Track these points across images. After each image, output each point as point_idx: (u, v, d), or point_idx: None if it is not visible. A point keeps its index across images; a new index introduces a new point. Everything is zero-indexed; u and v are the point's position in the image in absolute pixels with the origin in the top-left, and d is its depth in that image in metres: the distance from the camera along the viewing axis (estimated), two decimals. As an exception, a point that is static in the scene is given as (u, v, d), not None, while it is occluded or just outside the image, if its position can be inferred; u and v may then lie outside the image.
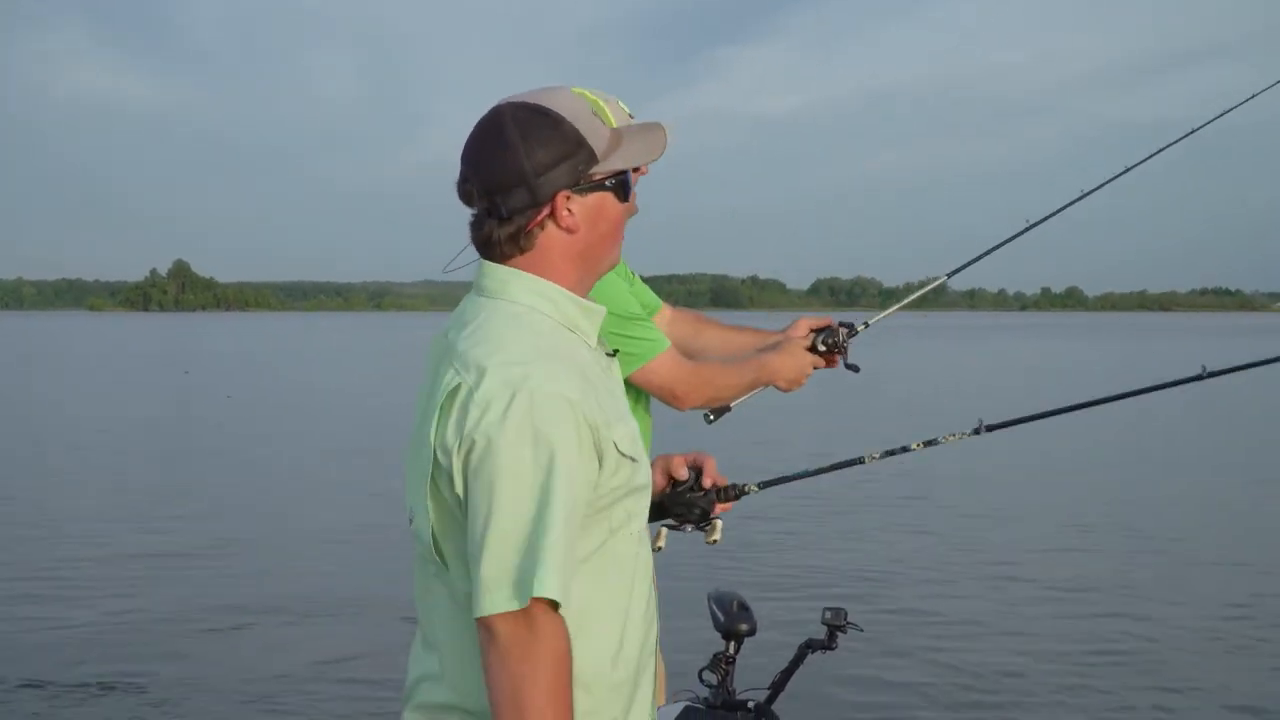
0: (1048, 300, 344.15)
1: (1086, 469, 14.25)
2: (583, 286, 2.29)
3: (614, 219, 2.29)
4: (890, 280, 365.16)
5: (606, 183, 2.25)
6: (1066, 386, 29.45)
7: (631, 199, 2.32)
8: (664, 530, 2.80)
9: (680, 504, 2.73)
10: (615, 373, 2.37)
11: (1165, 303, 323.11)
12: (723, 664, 4.54)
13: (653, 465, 2.71)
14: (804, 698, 5.96)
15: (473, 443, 2.03)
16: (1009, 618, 8.29)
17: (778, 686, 4.70)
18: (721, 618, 4.48)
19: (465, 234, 2.30)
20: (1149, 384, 3.76)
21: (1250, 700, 6.84)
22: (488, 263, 2.25)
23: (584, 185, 2.22)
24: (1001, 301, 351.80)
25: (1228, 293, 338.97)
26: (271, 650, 7.92)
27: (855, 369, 4.04)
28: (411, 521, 2.22)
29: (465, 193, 2.23)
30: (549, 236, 2.22)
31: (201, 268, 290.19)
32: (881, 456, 3.64)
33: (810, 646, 4.66)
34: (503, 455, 2.02)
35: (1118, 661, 7.41)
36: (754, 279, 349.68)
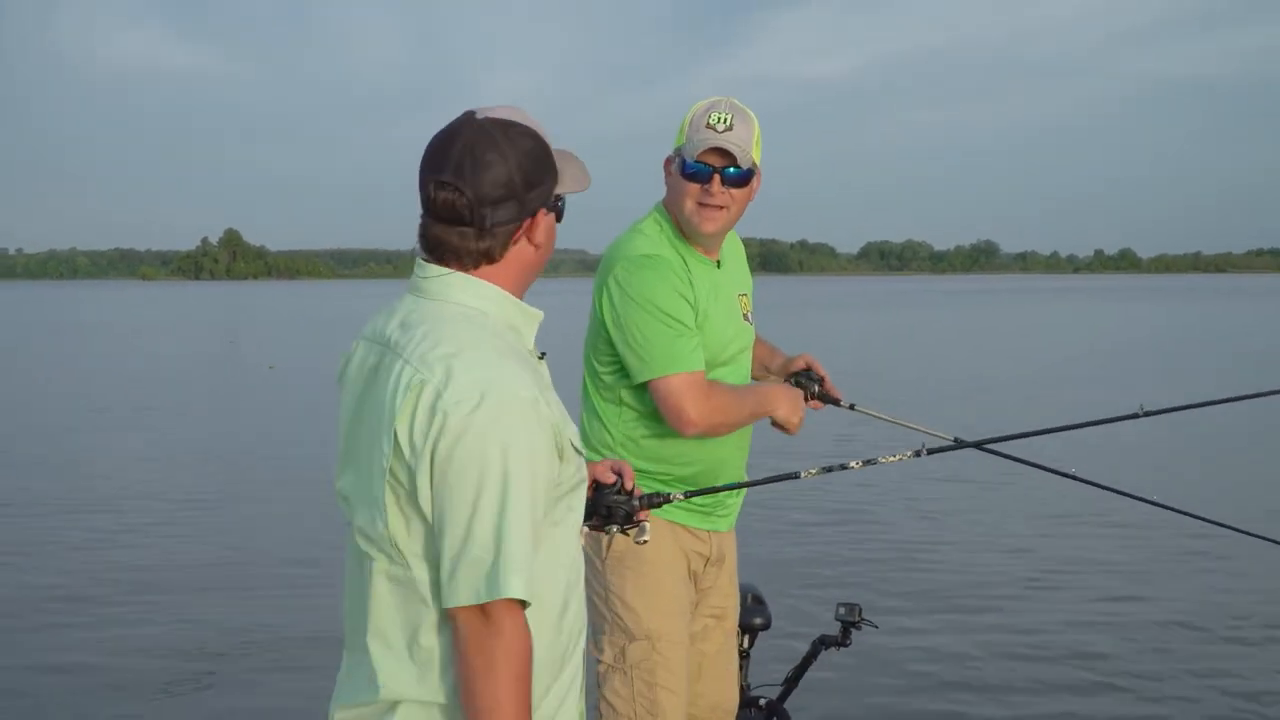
0: (1100, 263, 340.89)
1: (1114, 466, 13.90)
2: (520, 294, 2.39)
3: (553, 239, 2.41)
4: (940, 244, 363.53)
5: (559, 204, 2.39)
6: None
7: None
8: (585, 530, 2.78)
9: (605, 505, 2.80)
10: (545, 374, 2.42)
11: (1220, 264, 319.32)
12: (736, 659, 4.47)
13: None
14: (817, 696, 5.88)
15: (443, 441, 2.11)
16: (1029, 615, 8.09)
17: (791, 683, 4.63)
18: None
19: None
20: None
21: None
22: (431, 265, 2.32)
23: (549, 204, 2.35)
24: (1054, 264, 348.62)
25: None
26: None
27: (837, 403, 4.00)
28: (351, 519, 2.31)
29: (445, 200, 2.25)
30: (520, 250, 2.33)
31: (252, 236, 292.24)
32: (819, 472, 3.60)
33: (824, 643, 4.60)
34: (473, 454, 2.10)
35: (1141, 656, 7.24)
36: (803, 244, 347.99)
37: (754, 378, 3.99)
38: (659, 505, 3.05)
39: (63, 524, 11.23)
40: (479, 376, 2.14)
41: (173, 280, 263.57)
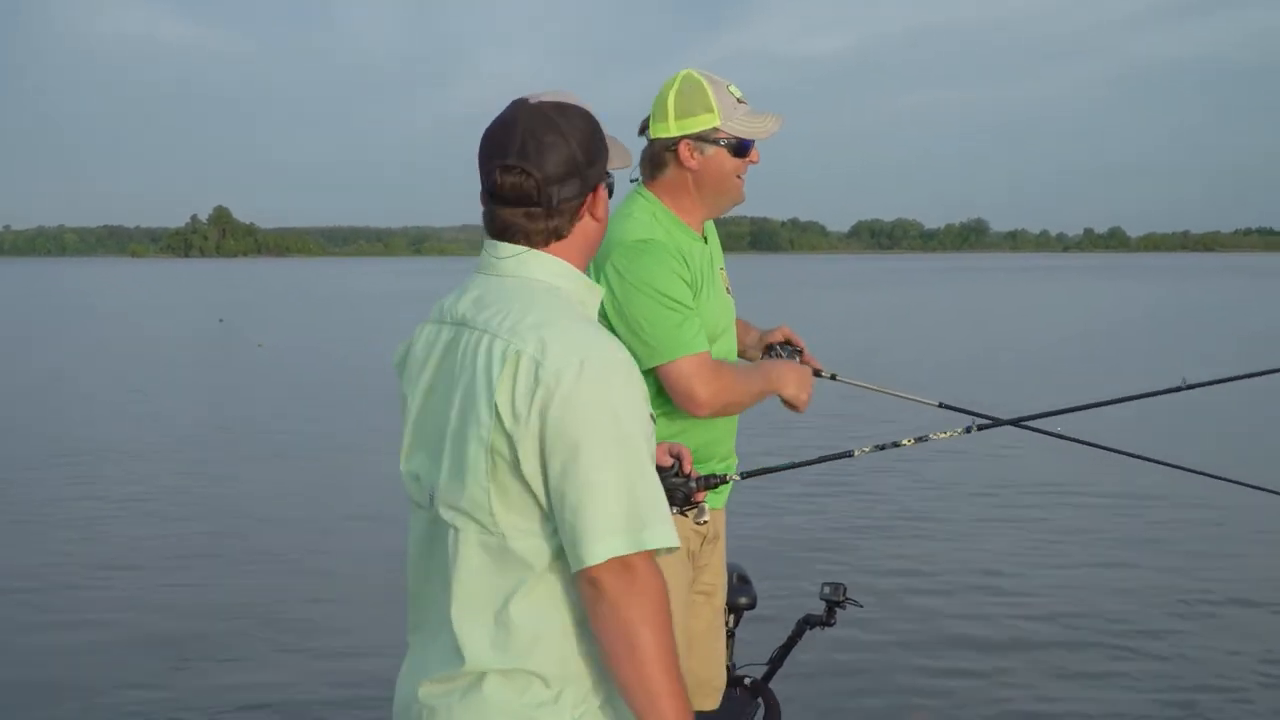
0: (1090, 241, 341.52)
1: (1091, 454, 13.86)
2: (584, 269, 2.47)
3: (608, 213, 2.51)
4: (931, 222, 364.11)
5: (610, 180, 2.48)
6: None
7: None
8: None
9: (664, 487, 2.75)
10: None
11: (1208, 243, 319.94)
12: (721, 638, 4.46)
13: None
14: (802, 675, 5.89)
15: (552, 411, 2.16)
16: (1014, 593, 8.09)
17: (775, 663, 4.61)
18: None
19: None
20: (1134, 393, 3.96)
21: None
22: (505, 245, 2.38)
23: (605, 180, 2.46)
24: (1044, 243, 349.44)
25: (1272, 232, 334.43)
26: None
27: (818, 374, 4.01)
28: (421, 500, 2.35)
29: (513, 184, 2.32)
30: (584, 225, 2.41)
31: (242, 214, 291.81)
32: (871, 450, 3.59)
33: (809, 622, 4.58)
34: (587, 419, 2.16)
35: (1132, 634, 7.25)
36: (794, 222, 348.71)
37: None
38: (715, 486, 3.07)
39: (53, 500, 11.26)
40: (573, 343, 2.20)
41: (162, 258, 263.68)
